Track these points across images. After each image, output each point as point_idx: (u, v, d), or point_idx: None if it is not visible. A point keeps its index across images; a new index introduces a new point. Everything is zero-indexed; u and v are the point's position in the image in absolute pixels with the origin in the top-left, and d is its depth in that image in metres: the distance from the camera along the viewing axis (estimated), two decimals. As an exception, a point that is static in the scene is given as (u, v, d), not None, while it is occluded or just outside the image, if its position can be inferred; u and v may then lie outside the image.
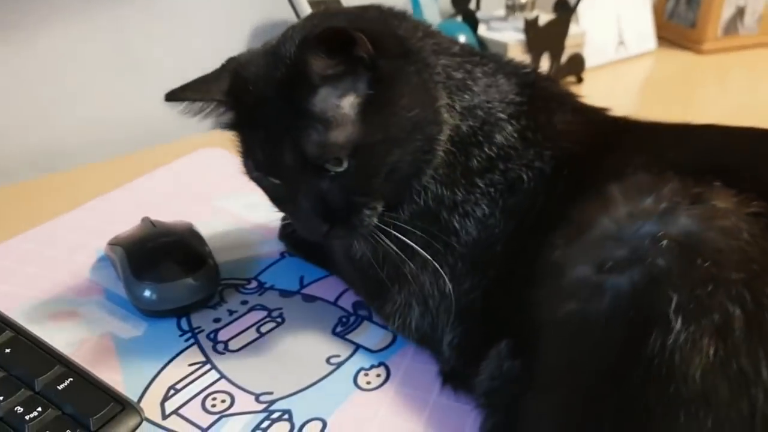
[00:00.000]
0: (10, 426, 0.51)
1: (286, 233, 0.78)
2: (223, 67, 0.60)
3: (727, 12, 1.36)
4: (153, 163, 0.96)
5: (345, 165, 0.54)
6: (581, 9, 1.23)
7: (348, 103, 0.54)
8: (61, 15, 0.95)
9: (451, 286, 0.58)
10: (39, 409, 0.52)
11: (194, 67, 0.59)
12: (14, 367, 0.56)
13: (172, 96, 0.57)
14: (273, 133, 0.56)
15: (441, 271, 0.58)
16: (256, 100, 0.56)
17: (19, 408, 0.52)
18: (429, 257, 0.57)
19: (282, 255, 0.77)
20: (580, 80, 1.21)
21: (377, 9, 0.62)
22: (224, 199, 0.87)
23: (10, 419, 0.52)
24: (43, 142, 0.99)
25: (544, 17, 1.14)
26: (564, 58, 1.17)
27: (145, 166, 0.95)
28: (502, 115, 0.59)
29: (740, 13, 1.37)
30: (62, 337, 0.64)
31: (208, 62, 0.60)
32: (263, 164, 0.58)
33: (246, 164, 0.61)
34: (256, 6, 1.12)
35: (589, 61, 1.25)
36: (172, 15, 1.04)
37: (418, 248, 0.57)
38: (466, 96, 0.59)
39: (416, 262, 0.59)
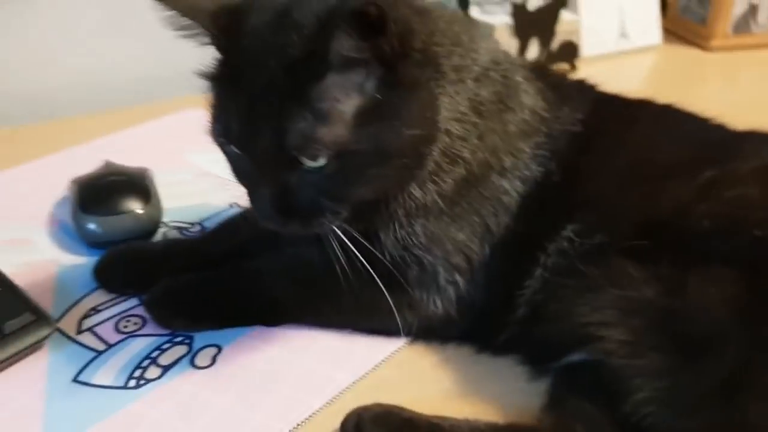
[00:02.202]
0: (-66, 322, 0.58)
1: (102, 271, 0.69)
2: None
3: (739, 9, 1.34)
4: (145, 117, 1.02)
5: (321, 162, 0.50)
6: (581, -2, 1.24)
7: (349, 102, 0.50)
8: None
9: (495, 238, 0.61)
10: (-38, 310, 0.59)
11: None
12: (-52, 275, 0.63)
13: None
14: (256, 105, 0.51)
15: (492, 227, 0.61)
16: (247, 60, 0.51)
17: (-57, 308, 0.59)
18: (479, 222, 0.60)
19: (230, 206, 0.82)
20: (573, 67, 1.22)
21: None
22: (195, 154, 0.93)
23: (-66, 317, 0.58)
24: (44, 91, 1.07)
25: (537, 3, 1.16)
26: (557, 45, 1.18)
27: (136, 120, 1.02)
28: (519, 79, 0.64)
29: (753, 10, 1.35)
30: (9, 258, 0.70)
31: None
32: (234, 134, 0.53)
33: (215, 124, 0.55)
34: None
35: (587, 50, 1.26)
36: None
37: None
38: (475, 68, 0.60)
39: (465, 232, 0.60)
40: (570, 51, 1.20)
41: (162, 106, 1.06)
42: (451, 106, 0.58)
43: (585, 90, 0.70)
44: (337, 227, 0.55)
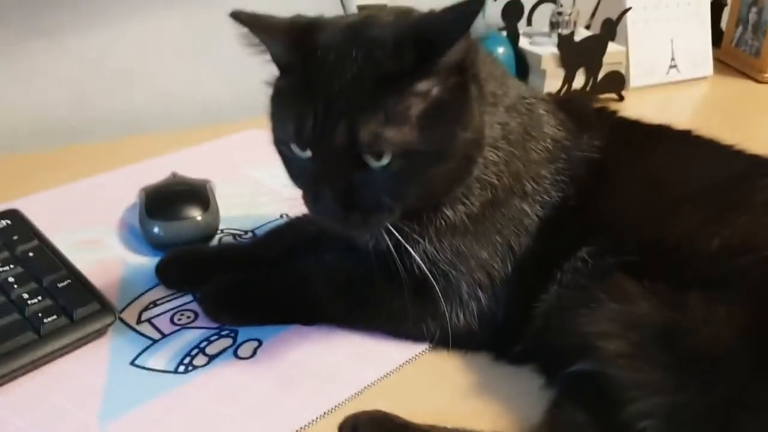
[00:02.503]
0: (17, 306, 0.66)
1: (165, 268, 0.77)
2: (293, 19, 0.61)
3: (794, 42, 1.34)
4: (211, 136, 1.11)
5: (384, 162, 0.56)
6: (631, 28, 1.27)
7: (417, 106, 0.56)
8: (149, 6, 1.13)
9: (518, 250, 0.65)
10: (40, 297, 0.67)
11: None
12: (32, 266, 0.71)
13: (238, 16, 0.59)
14: (332, 109, 0.56)
15: (514, 247, 0.65)
16: (322, 71, 0.56)
17: (25, 294, 0.67)
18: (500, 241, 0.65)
19: (281, 216, 0.89)
20: (620, 98, 1.25)
21: None
22: (254, 169, 1.01)
23: (18, 302, 0.67)
24: (125, 109, 1.17)
25: (584, 34, 1.20)
26: (603, 76, 1.21)
27: (204, 139, 1.10)
28: (542, 111, 0.69)
29: (810, 44, 1.35)
30: (83, 255, 0.78)
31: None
32: (307, 135, 0.57)
33: (283, 129, 0.60)
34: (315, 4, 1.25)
35: (636, 81, 1.29)
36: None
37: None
38: (506, 99, 0.66)
39: (488, 250, 0.65)
40: (616, 82, 1.23)
41: (227, 127, 1.14)
42: (488, 129, 0.63)
43: (604, 117, 0.74)
44: (390, 225, 0.60)
